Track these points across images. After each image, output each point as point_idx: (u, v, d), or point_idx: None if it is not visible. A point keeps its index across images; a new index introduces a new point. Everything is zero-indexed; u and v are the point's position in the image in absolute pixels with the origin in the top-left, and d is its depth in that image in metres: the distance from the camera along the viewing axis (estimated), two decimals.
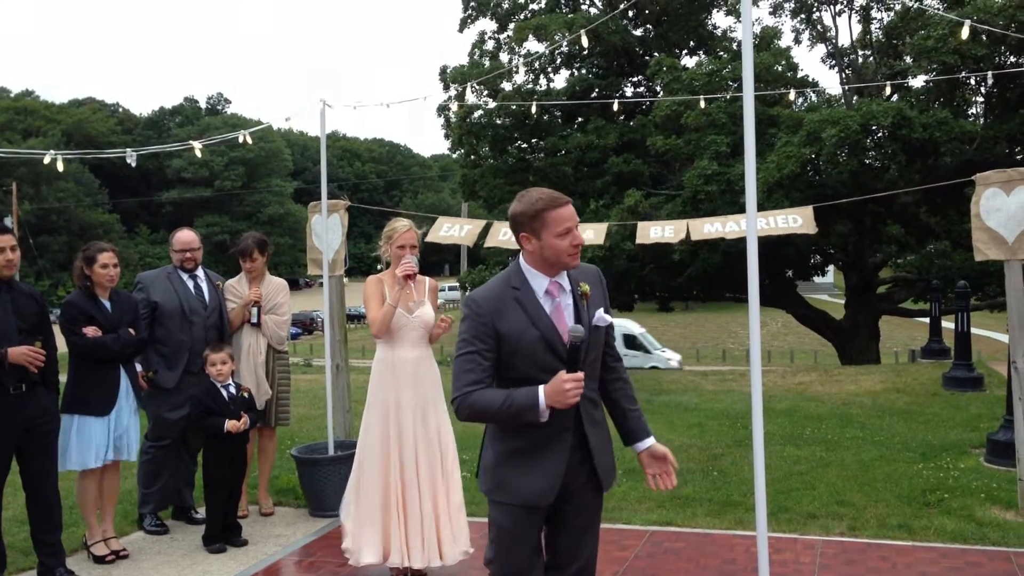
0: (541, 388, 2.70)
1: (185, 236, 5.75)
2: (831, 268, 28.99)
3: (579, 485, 2.95)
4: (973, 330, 11.22)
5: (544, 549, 3.03)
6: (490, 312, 2.80)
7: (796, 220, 5.93)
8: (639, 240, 6.58)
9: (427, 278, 4.79)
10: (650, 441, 3.03)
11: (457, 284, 28.46)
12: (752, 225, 3.55)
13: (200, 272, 5.76)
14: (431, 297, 4.75)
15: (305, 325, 53.05)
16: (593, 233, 6.76)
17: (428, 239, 6.48)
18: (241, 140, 6.85)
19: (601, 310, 2.91)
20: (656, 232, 6.46)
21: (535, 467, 2.85)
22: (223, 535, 5.24)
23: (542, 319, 2.82)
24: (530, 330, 2.80)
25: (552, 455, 2.86)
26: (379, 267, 4.84)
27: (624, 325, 26.86)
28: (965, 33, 8.01)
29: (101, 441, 4.89)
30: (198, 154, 7.32)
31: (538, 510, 2.90)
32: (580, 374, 2.70)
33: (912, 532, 5.17)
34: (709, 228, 6.29)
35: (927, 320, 15.70)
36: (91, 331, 4.86)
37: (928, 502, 5.77)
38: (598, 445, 2.96)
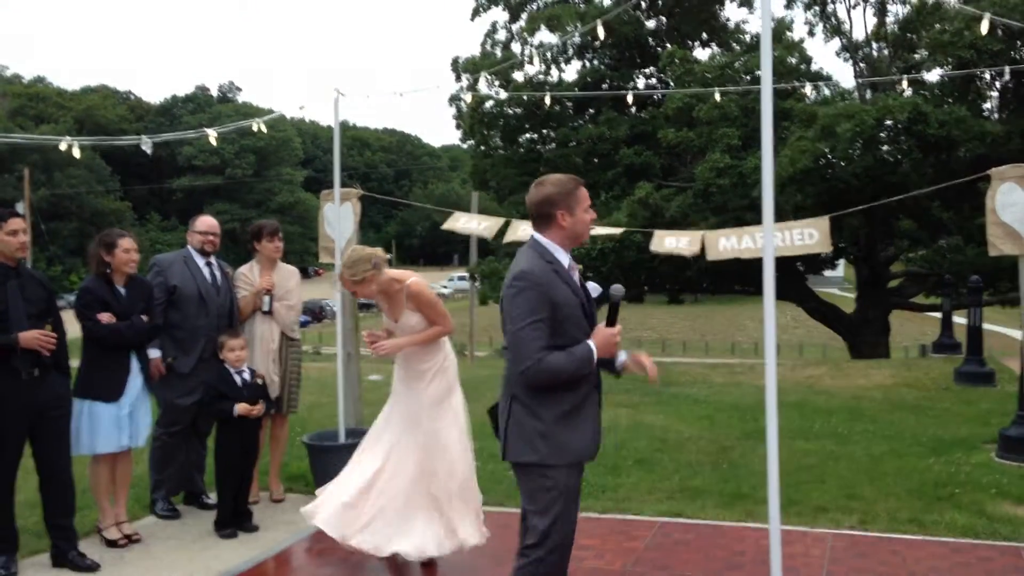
0: (591, 341, 3.06)
1: (208, 219, 5.87)
2: (841, 261, 28.87)
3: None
4: (985, 325, 11.16)
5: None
6: (546, 283, 3.05)
7: (812, 236, 5.97)
8: (654, 248, 6.80)
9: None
10: (623, 354, 3.32)
11: (466, 274, 28.34)
12: (769, 238, 3.54)
13: (212, 259, 5.79)
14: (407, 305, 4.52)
15: (315, 314, 53.19)
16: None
17: (444, 227, 7.12)
18: (256, 128, 6.87)
19: (590, 283, 3.29)
20: (672, 243, 6.64)
21: (583, 424, 3.13)
22: (234, 520, 5.26)
23: (578, 289, 3.16)
24: (572, 298, 3.11)
25: (591, 411, 3.18)
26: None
27: None
28: (985, 27, 7.92)
29: (111, 426, 4.91)
30: (213, 142, 7.34)
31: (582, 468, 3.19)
32: (619, 327, 3.09)
33: (923, 526, 5.16)
34: (724, 244, 6.39)
35: (938, 315, 15.64)
36: (105, 318, 4.88)
37: (939, 497, 5.76)
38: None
